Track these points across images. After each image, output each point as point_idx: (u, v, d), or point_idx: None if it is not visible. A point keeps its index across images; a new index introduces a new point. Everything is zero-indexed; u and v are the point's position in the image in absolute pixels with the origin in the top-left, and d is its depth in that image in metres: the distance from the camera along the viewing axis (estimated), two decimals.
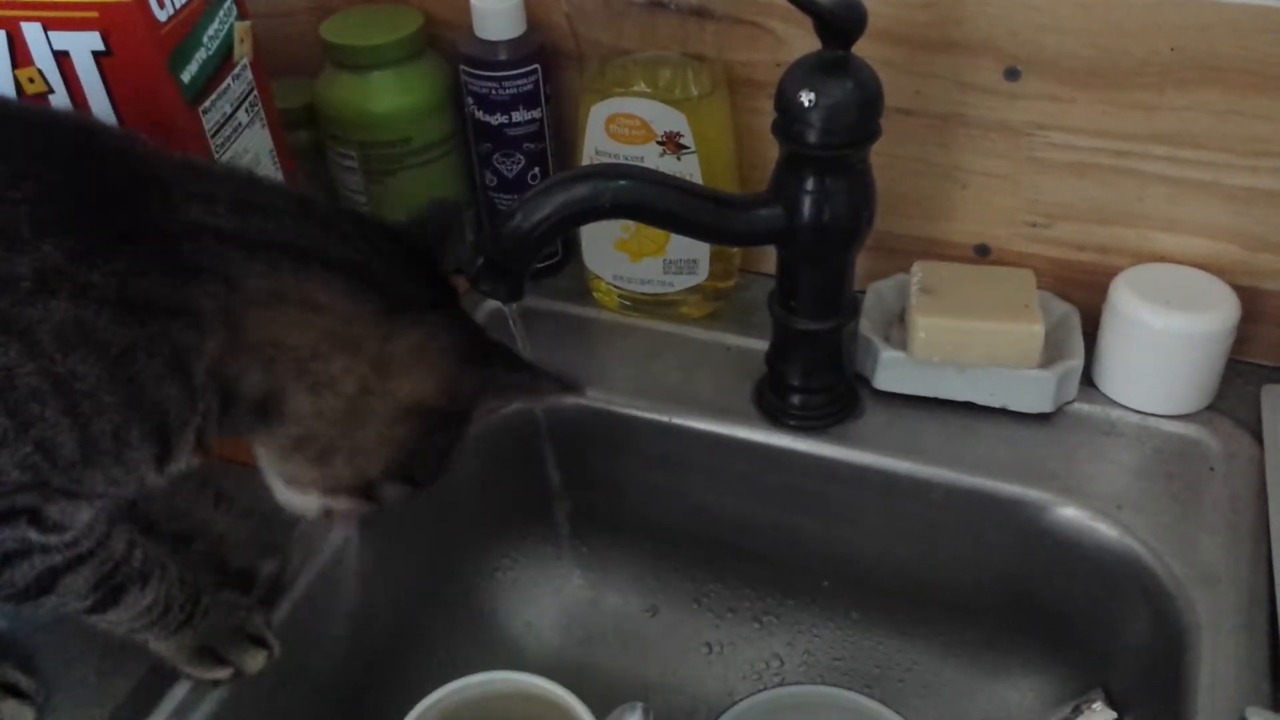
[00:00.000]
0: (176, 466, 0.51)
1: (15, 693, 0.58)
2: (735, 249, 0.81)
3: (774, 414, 0.74)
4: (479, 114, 0.79)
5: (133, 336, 0.46)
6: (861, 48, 0.62)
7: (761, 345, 0.75)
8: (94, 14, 0.58)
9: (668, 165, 0.74)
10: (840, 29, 0.60)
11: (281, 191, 0.55)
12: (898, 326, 0.76)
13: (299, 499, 0.55)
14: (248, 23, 0.68)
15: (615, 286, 0.81)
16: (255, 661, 0.60)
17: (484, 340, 0.54)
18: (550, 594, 0.83)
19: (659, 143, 0.74)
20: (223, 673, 0.59)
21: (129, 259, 0.46)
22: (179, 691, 0.60)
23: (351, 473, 0.53)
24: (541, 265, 0.86)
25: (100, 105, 0.60)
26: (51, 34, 0.59)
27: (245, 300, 0.48)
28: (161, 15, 0.60)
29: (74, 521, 0.51)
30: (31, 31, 0.59)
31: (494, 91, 0.78)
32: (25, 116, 0.52)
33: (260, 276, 0.48)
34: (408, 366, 0.50)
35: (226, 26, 0.66)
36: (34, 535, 0.50)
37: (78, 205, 0.46)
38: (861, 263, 0.70)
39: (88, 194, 0.46)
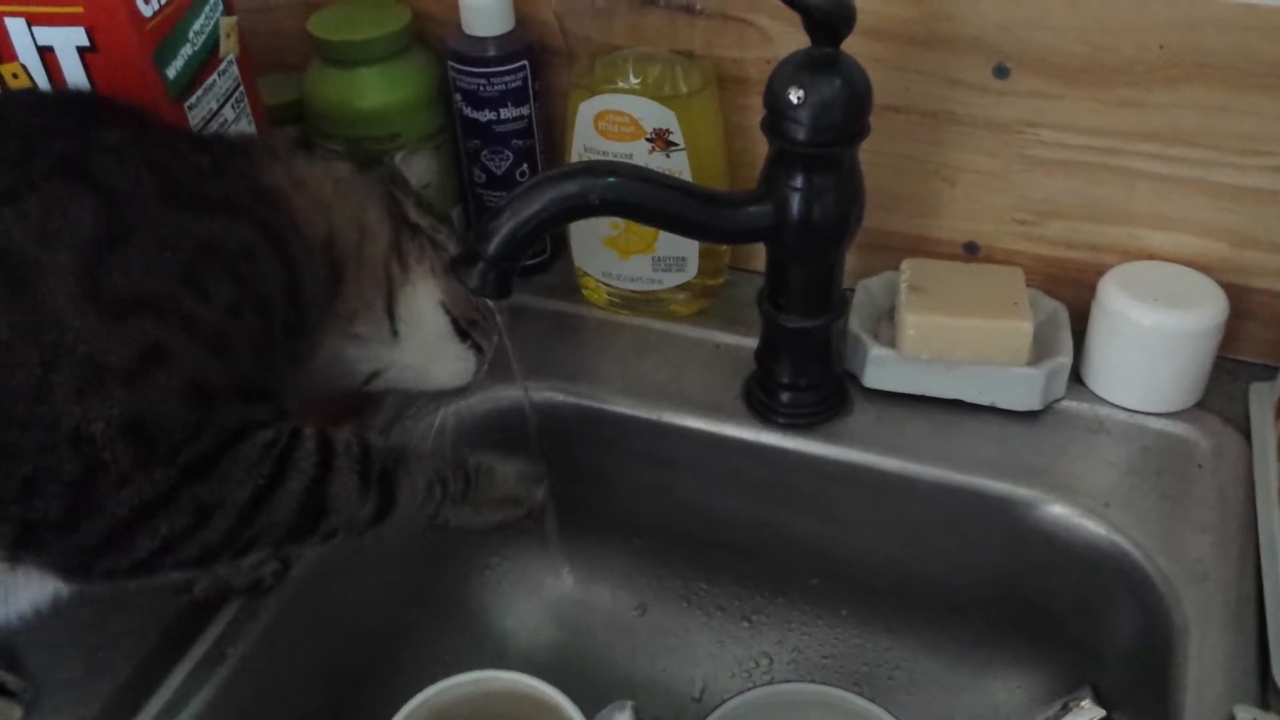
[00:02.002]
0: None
1: (2, 691, 0.58)
2: (724, 246, 0.81)
3: (763, 411, 0.74)
4: (467, 110, 0.79)
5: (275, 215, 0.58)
6: (850, 45, 0.62)
7: (750, 343, 0.75)
8: (79, 9, 0.58)
9: (657, 162, 0.74)
10: (829, 26, 0.60)
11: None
12: (887, 324, 0.76)
13: (435, 343, 0.65)
14: (234, 18, 0.67)
15: (604, 284, 0.81)
16: (539, 492, 0.67)
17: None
18: (539, 592, 0.83)
19: (648, 140, 0.74)
20: (520, 512, 0.66)
21: (245, 161, 0.60)
22: (166, 691, 0.59)
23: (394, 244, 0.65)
24: (530, 262, 0.86)
25: None
26: (36, 29, 0.58)
27: (299, 171, 0.61)
28: (147, 10, 0.59)
29: (300, 430, 0.53)
30: (15, 26, 0.59)
31: (482, 88, 0.78)
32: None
33: (297, 159, 0.63)
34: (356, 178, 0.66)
35: (212, 22, 0.65)
36: (273, 448, 0.52)
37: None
38: (850, 260, 0.70)
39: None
